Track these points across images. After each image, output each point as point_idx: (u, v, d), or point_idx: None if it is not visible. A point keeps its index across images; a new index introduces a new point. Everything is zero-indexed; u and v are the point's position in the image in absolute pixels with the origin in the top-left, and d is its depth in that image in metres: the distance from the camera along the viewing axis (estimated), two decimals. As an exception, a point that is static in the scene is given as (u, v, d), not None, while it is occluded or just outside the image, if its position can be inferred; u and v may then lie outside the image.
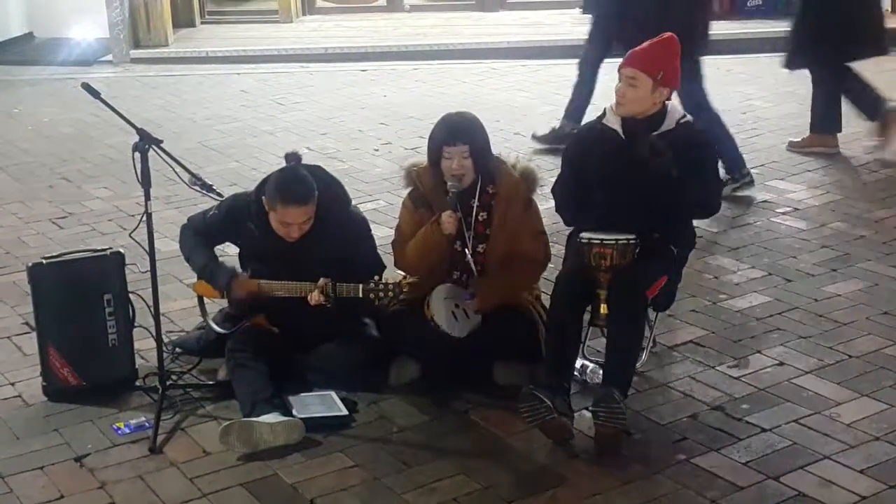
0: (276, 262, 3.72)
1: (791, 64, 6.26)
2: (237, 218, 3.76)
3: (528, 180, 3.79)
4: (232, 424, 3.39)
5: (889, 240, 5.01)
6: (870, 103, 6.19)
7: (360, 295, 3.59)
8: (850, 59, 6.10)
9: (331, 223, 3.70)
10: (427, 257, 3.74)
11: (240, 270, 3.77)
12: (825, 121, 6.23)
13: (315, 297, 3.59)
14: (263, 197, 3.65)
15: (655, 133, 3.58)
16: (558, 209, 3.82)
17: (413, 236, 3.78)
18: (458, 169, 3.66)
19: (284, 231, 3.64)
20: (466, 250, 3.73)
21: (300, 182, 3.62)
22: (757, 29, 9.63)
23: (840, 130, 6.27)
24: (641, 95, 3.55)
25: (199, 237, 3.86)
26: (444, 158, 3.67)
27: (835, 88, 6.15)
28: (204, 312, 3.91)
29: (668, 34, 3.69)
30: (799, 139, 6.36)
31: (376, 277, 3.62)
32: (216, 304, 4.02)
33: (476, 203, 3.74)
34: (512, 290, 3.79)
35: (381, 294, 3.58)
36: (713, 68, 8.62)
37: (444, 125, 3.75)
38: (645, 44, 3.65)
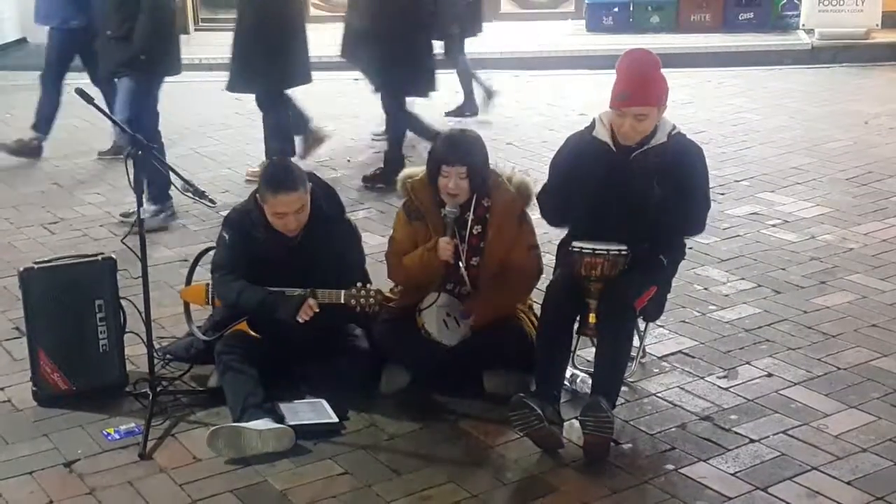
0: (274, 270, 3.69)
1: (231, 87, 6.27)
2: (243, 228, 3.73)
3: (524, 194, 3.80)
4: (220, 429, 3.39)
5: (877, 252, 5.04)
6: (303, 125, 6.37)
7: (342, 300, 3.59)
8: (285, 87, 6.22)
9: (329, 225, 3.72)
10: (422, 277, 3.76)
11: (308, 298, 3.59)
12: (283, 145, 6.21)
13: (306, 312, 3.56)
14: (257, 194, 3.66)
15: (648, 147, 3.59)
16: (544, 215, 3.82)
17: (406, 247, 3.79)
18: (454, 189, 3.66)
19: (281, 223, 3.63)
20: (460, 263, 3.73)
21: (288, 170, 3.66)
22: (748, 42, 9.72)
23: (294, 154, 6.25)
24: (649, 125, 3.56)
25: (233, 278, 3.71)
26: (442, 176, 3.68)
27: (281, 114, 6.24)
28: (189, 319, 3.90)
29: (646, 52, 3.60)
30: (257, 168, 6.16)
31: (359, 284, 3.62)
32: (203, 312, 4.03)
33: (471, 216, 3.75)
34: (507, 306, 3.81)
35: (363, 301, 3.57)
36: (704, 80, 8.77)
37: (445, 142, 3.75)
38: (636, 74, 3.52)
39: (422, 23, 6.10)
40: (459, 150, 3.69)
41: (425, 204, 3.77)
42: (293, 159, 5.55)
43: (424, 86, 6.25)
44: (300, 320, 3.57)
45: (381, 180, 6.12)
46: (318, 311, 3.57)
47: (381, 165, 6.27)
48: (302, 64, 6.16)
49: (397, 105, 6.28)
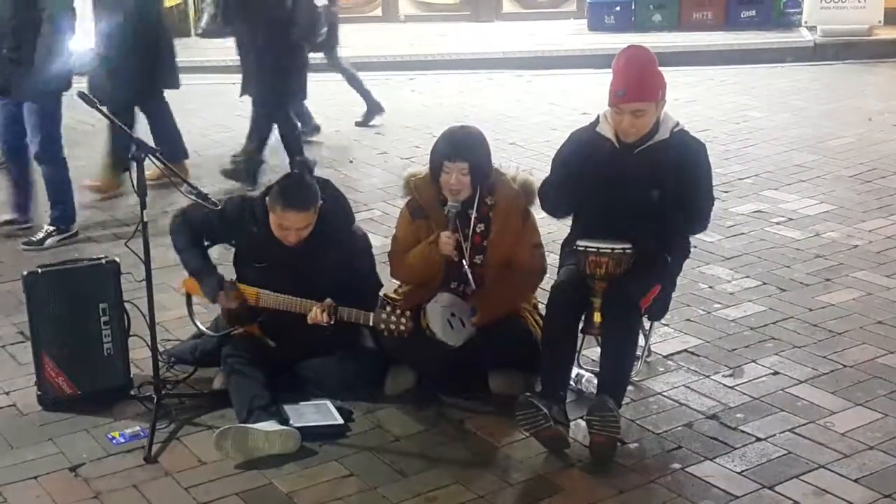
0: (273, 270, 3.71)
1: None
2: (238, 218, 3.75)
3: (527, 193, 3.78)
4: (227, 430, 3.39)
5: (882, 249, 5.02)
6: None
7: (371, 324, 3.57)
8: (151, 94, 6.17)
9: (332, 238, 3.70)
10: (423, 273, 3.76)
11: (226, 281, 3.73)
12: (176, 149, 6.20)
13: (315, 316, 3.58)
14: (268, 197, 3.67)
15: (650, 143, 3.58)
16: (544, 206, 3.80)
17: (410, 245, 3.79)
18: (456, 184, 3.66)
19: (282, 234, 3.64)
20: (464, 262, 3.73)
21: (304, 188, 3.65)
22: (750, 40, 9.70)
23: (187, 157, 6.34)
24: (648, 121, 3.55)
25: (193, 234, 3.82)
26: (444, 173, 3.67)
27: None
28: (191, 311, 3.90)
29: (642, 49, 3.60)
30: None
31: (388, 308, 3.60)
32: (209, 309, 4.02)
33: (474, 214, 3.74)
34: (511, 303, 3.80)
35: (393, 326, 3.54)
36: (707, 79, 8.75)
37: (446, 139, 3.74)
38: (632, 71, 3.53)
39: (282, 33, 6.07)
40: (460, 146, 3.69)
41: (428, 202, 3.77)
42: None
43: (293, 92, 6.33)
44: (310, 320, 3.57)
45: (238, 176, 6.20)
46: (329, 322, 3.57)
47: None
48: (167, 69, 6.19)
49: (267, 113, 6.30)
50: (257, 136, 6.33)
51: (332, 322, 3.57)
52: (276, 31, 6.03)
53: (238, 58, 6.38)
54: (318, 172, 5.76)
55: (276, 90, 6.19)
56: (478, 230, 3.76)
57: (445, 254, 3.67)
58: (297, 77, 6.29)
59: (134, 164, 3.56)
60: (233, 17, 6.25)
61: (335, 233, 3.71)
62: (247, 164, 6.29)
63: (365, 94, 7.66)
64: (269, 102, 6.25)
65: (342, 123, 7.70)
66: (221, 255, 4.06)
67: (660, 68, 3.61)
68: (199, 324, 3.85)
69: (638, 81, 3.51)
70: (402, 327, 3.54)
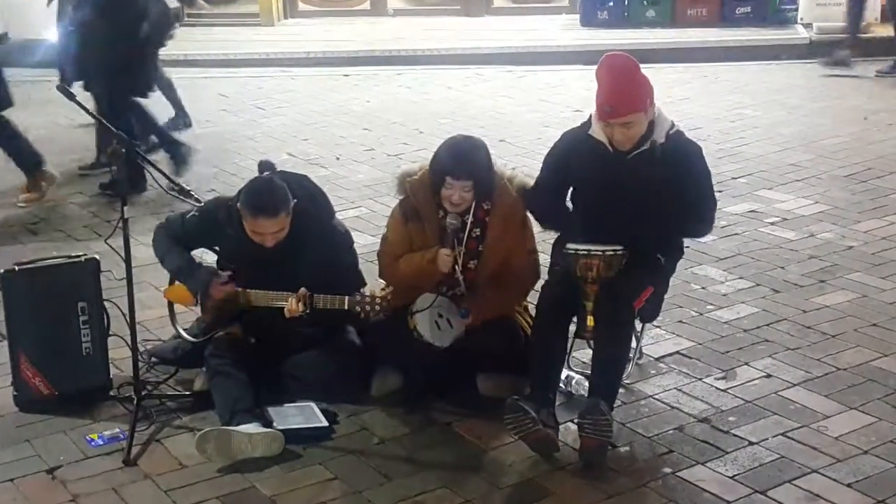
0: (254, 270, 3.66)
1: None
2: (216, 222, 3.70)
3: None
4: (210, 432, 3.33)
5: (877, 251, 4.98)
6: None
7: (346, 307, 3.53)
8: None
9: (311, 235, 3.65)
10: (417, 282, 3.68)
11: (220, 273, 3.69)
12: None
13: (291, 307, 3.53)
14: (239, 203, 3.61)
15: (645, 147, 3.52)
16: (532, 212, 3.74)
17: (401, 248, 3.71)
18: (458, 201, 3.58)
19: (258, 238, 3.60)
20: (456, 267, 3.65)
21: (270, 193, 3.56)
22: (745, 37, 9.66)
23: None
24: (640, 128, 3.50)
25: (175, 240, 3.78)
26: (445, 188, 3.58)
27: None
28: (174, 320, 3.85)
29: (622, 58, 3.54)
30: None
31: (363, 290, 3.56)
32: (189, 315, 3.95)
33: (470, 219, 3.66)
34: (503, 307, 3.74)
35: (368, 307, 3.52)
36: (701, 76, 8.71)
37: (451, 153, 3.62)
38: (616, 84, 3.45)
39: (132, 28, 5.95)
40: (465, 164, 3.57)
41: (424, 206, 3.68)
42: None
43: (143, 86, 6.19)
44: (287, 313, 3.53)
45: (175, 169, 6.01)
46: (304, 312, 3.52)
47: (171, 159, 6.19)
48: None
49: (124, 106, 6.07)
50: (153, 130, 6.22)
51: (307, 311, 3.52)
52: (126, 25, 5.90)
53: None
54: (305, 169, 5.71)
55: (119, 84, 5.98)
56: (473, 235, 3.68)
57: (444, 271, 3.60)
58: (142, 73, 6.11)
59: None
60: (88, 7, 5.98)
61: (313, 229, 3.66)
62: (171, 155, 6.14)
63: (175, 103, 7.35)
64: (115, 97, 6.00)
65: (329, 119, 7.64)
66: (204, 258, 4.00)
67: (652, 65, 3.57)
68: (181, 331, 3.80)
69: (623, 94, 3.45)
70: (378, 306, 3.50)
